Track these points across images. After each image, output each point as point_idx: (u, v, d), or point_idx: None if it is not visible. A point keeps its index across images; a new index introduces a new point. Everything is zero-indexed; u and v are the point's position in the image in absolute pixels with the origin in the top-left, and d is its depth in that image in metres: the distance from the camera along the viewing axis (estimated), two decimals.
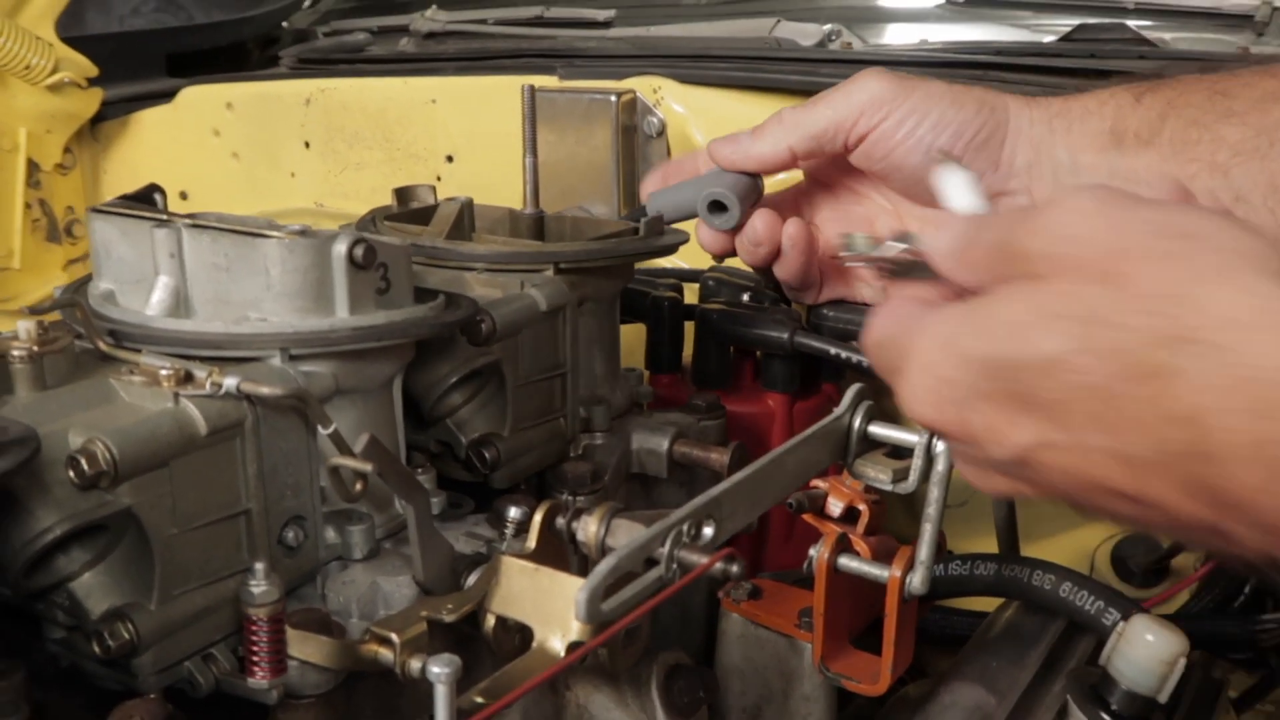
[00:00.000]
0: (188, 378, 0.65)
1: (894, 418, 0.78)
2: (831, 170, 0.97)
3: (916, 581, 0.74)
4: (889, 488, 0.74)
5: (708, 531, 0.63)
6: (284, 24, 2.01)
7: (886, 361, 0.61)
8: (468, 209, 0.92)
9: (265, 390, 0.64)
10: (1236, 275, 0.49)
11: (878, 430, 0.76)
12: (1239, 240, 0.51)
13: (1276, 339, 0.47)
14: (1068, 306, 0.52)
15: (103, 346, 0.69)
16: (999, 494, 0.62)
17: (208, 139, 1.68)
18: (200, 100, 1.68)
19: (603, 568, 0.53)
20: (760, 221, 0.93)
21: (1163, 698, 0.70)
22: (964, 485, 0.97)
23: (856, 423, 0.76)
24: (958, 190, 0.64)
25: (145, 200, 0.80)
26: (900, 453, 0.75)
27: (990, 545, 1.04)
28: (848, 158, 0.92)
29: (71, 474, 0.59)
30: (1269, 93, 0.78)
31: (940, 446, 0.71)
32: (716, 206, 0.93)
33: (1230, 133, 0.78)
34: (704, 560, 0.60)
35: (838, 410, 0.75)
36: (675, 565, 0.60)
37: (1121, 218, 0.53)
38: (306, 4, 2.04)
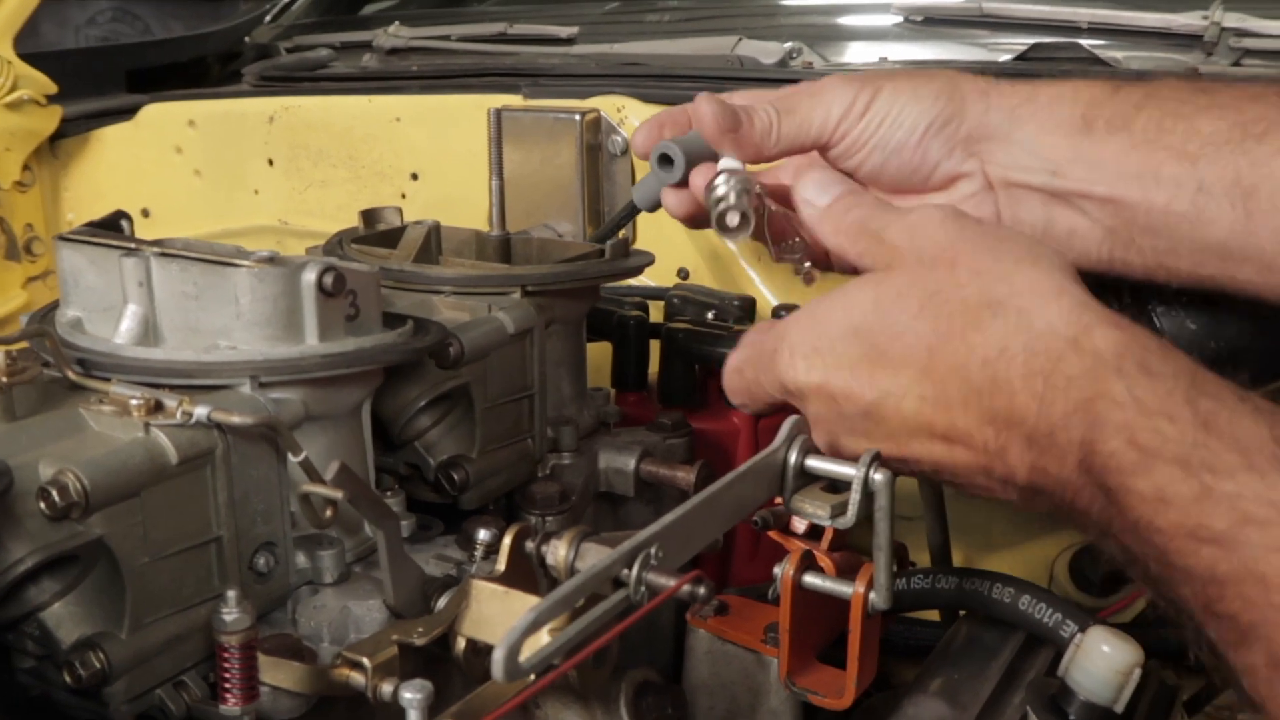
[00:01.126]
0: (158, 407, 0.65)
1: None
2: None
3: (878, 600, 0.75)
4: (828, 522, 0.74)
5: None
6: (246, 39, 2.00)
7: (756, 355, 0.77)
8: (435, 232, 0.93)
9: (236, 419, 0.65)
10: (1035, 263, 0.68)
11: (815, 464, 0.74)
12: (1040, 248, 0.70)
13: (1059, 306, 0.65)
14: (912, 287, 0.70)
15: (72, 376, 0.69)
16: (848, 453, 0.74)
17: (170, 156, 1.67)
18: (162, 117, 1.68)
19: (521, 623, 0.53)
20: (699, 176, 0.88)
21: (1119, 707, 0.72)
22: (918, 499, 0.99)
23: (793, 457, 0.74)
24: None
25: (112, 227, 0.80)
26: (837, 486, 0.74)
27: (954, 553, 1.06)
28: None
29: (43, 505, 0.59)
30: (1250, 92, 0.78)
31: (879, 478, 0.71)
32: (665, 160, 0.91)
33: (1206, 124, 0.78)
34: (671, 583, 0.61)
35: (774, 444, 0.74)
36: (643, 589, 0.61)
37: (960, 224, 0.72)
38: (268, 19, 2.04)
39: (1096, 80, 0.83)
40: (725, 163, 0.82)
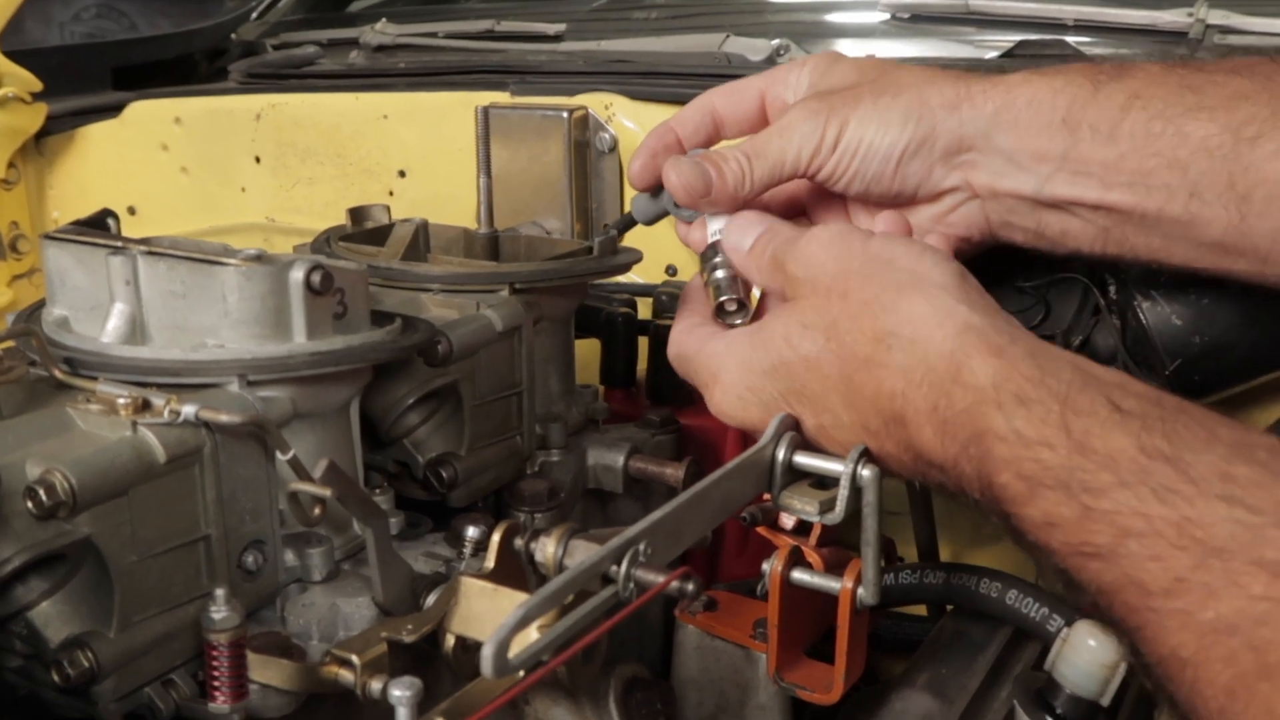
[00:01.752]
0: (145, 406, 0.65)
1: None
2: None
3: (866, 595, 0.76)
4: (816, 519, 0.74)
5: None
6: (232, 36, 1.99)
7: (692, 374, 0.81)
8: (423, 230, 0.93)
9: (224, 418, 0.64)
10: (917, 288, 0.70)
11: (802, 460, 0.74)
12: (927, 265, 0.72)
13: (942, 335, 0.67)
14: (815, 318, 0.73)
15: (59, 375, 0.69)
16: None
17: (156, 154, 1.66)
18: (148, 115, 1.67)
19: (509, 620, 0.53)
20: (696, 231, 0.89)
21: (1105, 701, 0.73)
22: (902, 494, 1.00)
23: (781, 454, 0.74)
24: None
25: (98, 226, 0.80)
26: (826, 482, 0.74)
27: (941, 549, 1.07)
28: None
29: (30, 505, 0.59)
30: (1238, 92, 0.77)
31: (866, 474, 0.71)
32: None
33: (1195, 129, 0.77)
34: (660, 580, 0.62)
35: (761, 441, 0.74)
36: (632, 585, 0.61)
37: (845, 248, 0.74)
38: (254, 16, 2.03)
39: (1076, 76, 0.81)
40: (713, 225, 0.85)
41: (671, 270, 1.31)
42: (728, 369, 0.77)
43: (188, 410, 0.64)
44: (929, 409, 0.67)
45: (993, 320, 0.68)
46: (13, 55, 1.63)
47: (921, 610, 1.04)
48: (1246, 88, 0.77)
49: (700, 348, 0.80)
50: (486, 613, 0.67)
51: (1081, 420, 0.61)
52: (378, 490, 0.79)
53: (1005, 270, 1.08)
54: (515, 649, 0.55)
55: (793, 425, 0.76)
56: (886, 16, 1.51)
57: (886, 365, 0.69)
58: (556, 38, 1.63)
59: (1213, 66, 0.80)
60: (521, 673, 0.59)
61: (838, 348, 0.71)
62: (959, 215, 0.87)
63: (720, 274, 0.82)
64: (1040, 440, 0.61)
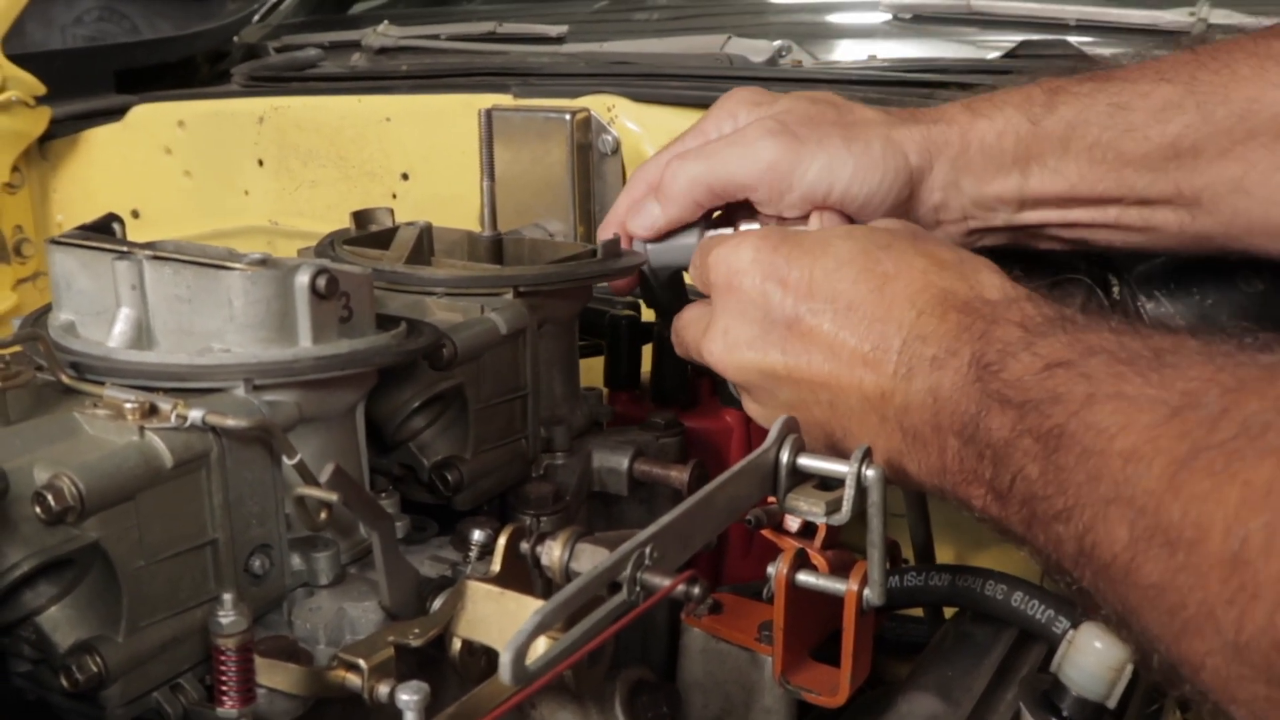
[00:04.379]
0: (152, 410, 0.65)
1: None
2: None
3: (872, 596, 0.76)
4: (822, 519, 0.74)
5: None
6: (234, 39, 2.00)
7: (695, 331, 0.84)
8: (427, 233, 0.93)
9: (230, 422, 0.65)
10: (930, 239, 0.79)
11: (807, 462, 0.74)
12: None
13: (978, 268, 0.75)
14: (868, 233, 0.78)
15: (65, 379, 0.69)
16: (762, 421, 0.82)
17: (159, 157, 1.67)
18: (151, 118, 1.67)
19: (527, 627, 0.54)
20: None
21: (1111, 703, 0.73)
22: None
23: (785, 456, 0.74)
24: None
25: (104, 230, 0.80)
26: (830, 484, 0.74)
27: (941, 551, 1.07)
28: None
29: (38, 510, 0.59)
30: (1167, 101, 0.82)
31: (871, 474, 0.71)
32: None
33: (1133, 147, 0.83)
34: (666, 583, 0.62)
35: (765, 444, 0.74)
36: (639, 589, 0.62)
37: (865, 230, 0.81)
38: (257, 19, 2.03)
39: (1013, 114, 0.86)
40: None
41: None
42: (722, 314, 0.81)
43: (194, 415, 0.65)
44: (933, 299, 0.72)
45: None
46: (16, 59, 1.63)
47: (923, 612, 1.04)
48: (1173, 94, 0.82)
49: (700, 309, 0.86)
50: (493, 616, 0.67)
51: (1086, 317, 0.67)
52: (383, 494, 0.79)
53: (1008, 271, 1.08)
54: (529, 656, 0.55)
55: (795, 428, 0.76)
56: (889, 17, 1.51)
57: (903, 268, 0.74)
58: (559, 39, 1.64)
59: (1137, 74, 0.85)
60: None
61: (886, 247, 0.76)
62: (943, 232, 0.92)
63: None
64: (1055, 315, 0.67)
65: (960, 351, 0.69)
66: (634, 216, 0.94)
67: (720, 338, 0.80)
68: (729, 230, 0.93)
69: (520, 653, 0.53)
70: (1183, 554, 0.51)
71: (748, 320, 0.79)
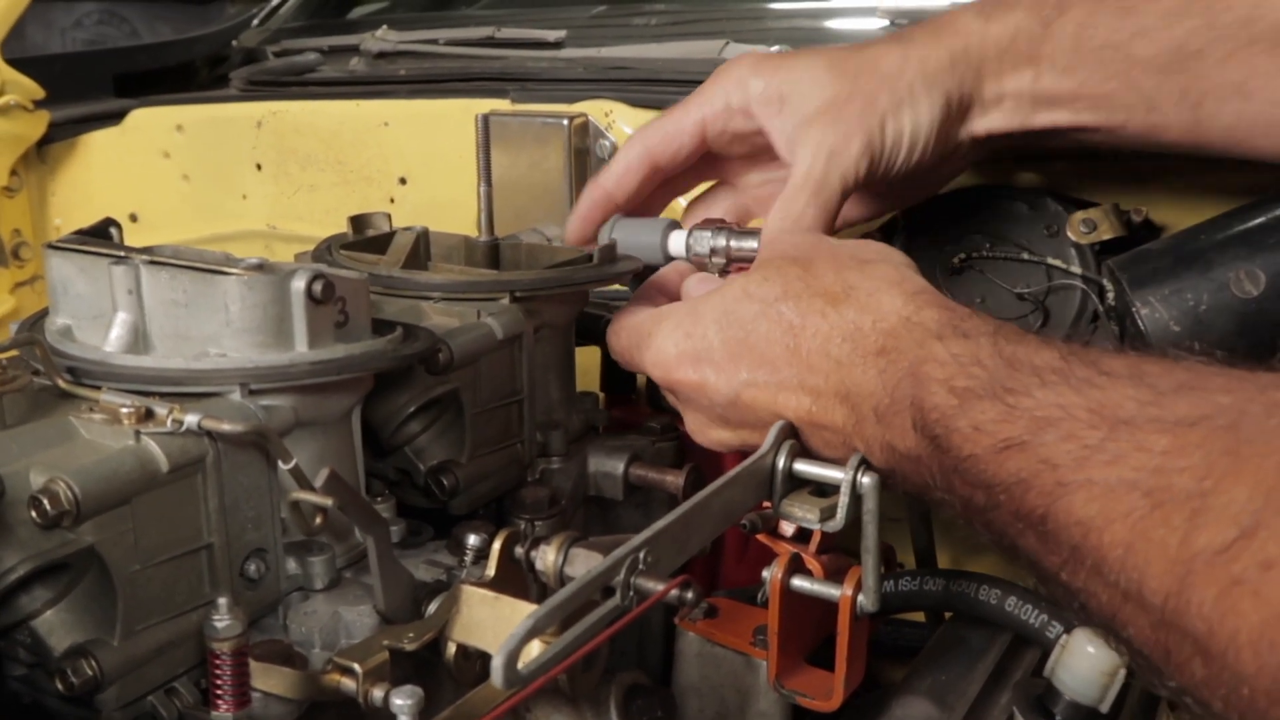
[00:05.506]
0: (148, 415, 0.65)
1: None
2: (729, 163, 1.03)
3: (866, 602, 0.76)
4: (816, 526, 0.75)
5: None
6: (233, 43, 2.00)
7: (630, 339, 0.85)
8: (423, 238, 0.93)
9: (226, 427, 0.65)
10: (884, 260, 0.78)
11: (803, 468, 0.75)
12: (887, 251, 0.80)
13: (900, 291, 0.73)
14: (777, 274, 0.77)
15: (62, 384, 0.69)
16: (718, 444, 0.83)
17: (157, 161, 1.67)
18: (149, 122, 1.67)
19: (519, 631, 0.54)
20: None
21: (1104, 707, 0.73)
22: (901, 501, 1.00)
23: (781, 461, 0.75)
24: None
25: (101, 235, 0.80)
26: (825, 490, 0.75)
27: (936, 554, 1.07)
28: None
29: (34, 514, 0.59)
30: (1173, 6, 0.85)
31: (866, 481, 0.72)
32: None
33: (1141, 49, 0.85)
34: (659, 588, 0.62)
35: (761, 449, 0.75)
36: (633, 593, 0.62)
37: (814, 236, 0.84)
38: (255, 23, 2.04)
39: (1023, 16, 0.89)
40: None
41: None
42: (676, 316, 0.81)
43: (190, 419, 0.65)
44: (877, 350, 0.71)
45: (938, 294, 0.75)
46: (14, 63, 1.63)
47: (921, 616, 1.04)
48: (1178, 3, 0.85)
49: (632, 316, 0.86)
50: (487, 621, 0.68)
51: (1010, 345, 0.66)
52: (379, 498, 0.79)
53: (1004, 277, 1.09)
54: (522, 660, 0.55)
55: (791, 433, 0.77)
56: (885, 23, 1.51)
57: (840, 311, 0.74)
58: (557, 44, 1.64)
59: None
60: None
61: (794, 300, 0.76)
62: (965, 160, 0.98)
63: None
64: (973, 360, 0.66)
65: (899, 410, 0.69)
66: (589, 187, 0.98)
67: (690, 423, 0.85)
68: (683, 233, 0.94)
69: (512, 657, 0.53)
70: (1216, 664, 0.50)
71: (699, 409, 0.82)
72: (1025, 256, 1.08)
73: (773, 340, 0.76)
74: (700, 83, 1.32)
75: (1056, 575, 0.60)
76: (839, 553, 0.85)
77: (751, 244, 0.88)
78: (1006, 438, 0.61)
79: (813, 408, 0.75)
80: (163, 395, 0.68)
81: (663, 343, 0.81)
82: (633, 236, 0.95)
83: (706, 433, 0.83)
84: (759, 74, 0.93)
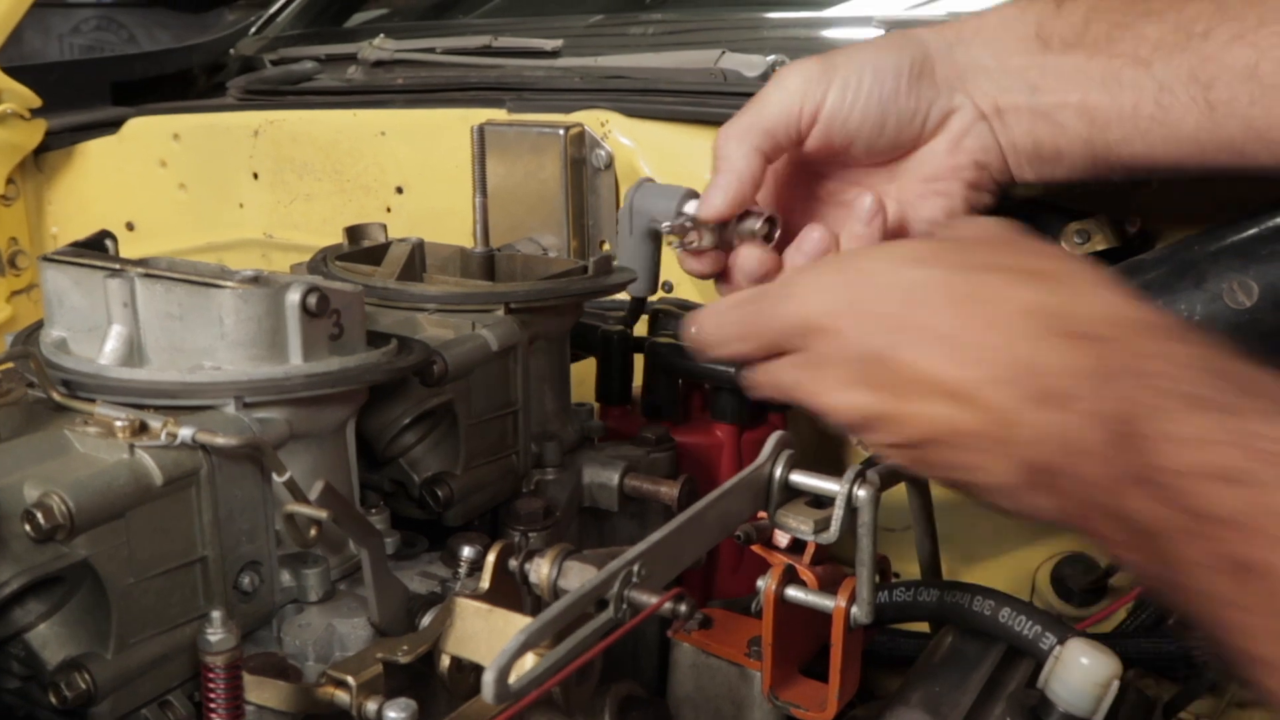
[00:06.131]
0: (143, 428, 0.65)
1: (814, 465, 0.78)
2: (792, 174, 0.95)
3: (860, 614, 0.76)
4: (811, 538, 0.75)
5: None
6: (231, 51, 2.00)
7: (758, 295, 0.75)
8: (419, 249, 0.94)
9: (220, 440, 0.65)
10: (1080, 259, 0.72)
11: (799, 479, 0.75)
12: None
13: (1103, 287, 0.64)
14: (957, 246, 0.73)
15: (56, 397, 0.69)
16: (834, 407, 0.69)
17: (154, 170, 1.67)
18: (146, 131, 1.68)
19: (510, 646, 0.54)
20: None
21: (1098, 718, 0.73)
22: (905, 511, 1.00)
23: (778, 472, 0.75)
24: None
25: (97, 247, 0.80)
26: (821, 501, 0.75)
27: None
28: (804, 147, 0.89)
29: (28, 527, 0.59)
30: None
31: (862, 494, 0.72)
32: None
33: (1151, 30, 0.83)
34: (653, 601, 0.62)
35: (759, 460, 0.75)
36: (626, 606, 0.62)
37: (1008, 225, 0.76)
38: (253, 31, 2.04)
39: None
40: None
41: (668, 287, 1.31)
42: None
43: (184, 432, 0.65)
44: (1064, 332, 0.62)
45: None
46: (11, 71, 1.63)
47: (919, 626, 1.04)
48: None
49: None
50: (481, 633, 0.68)
51: (1236, 365, 0.59)
52: (374, 510, 0.79)
53: None
54: (514, 674, 0.55)
55: (789, 443, 0.77)
56: (880, 32, 1.51)
57: (1026, 288, 0.65)
58: (554, 54, 1.64)
59: None
60: None
61: (973, 271, 0.67)
62: (972, 139, 0.89)
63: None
64: (1203, 366, 0.58)
65: (1085, 396, 0.60)
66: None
67: (812, 382, 0.72)
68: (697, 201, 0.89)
69: (503, 672, 0.53)
70: None
71: (834, 365, 0.70)
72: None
73: (942, 300, 0.66)
74: (696, 93, 1.33)
75: (1241, 628, 0.55)
76: (834, 563, 0.85)
77: (753, 224, 0.85)
78: (1225, 466, 0.55)
79: (965, 379, 0.64)
80: (157, 408, 0.68)
81: (812, 288, 0.71)
82: (649, 201, 0.89)
83: (829, 395, 0.70)
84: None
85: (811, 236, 0.85)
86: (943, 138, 0.89)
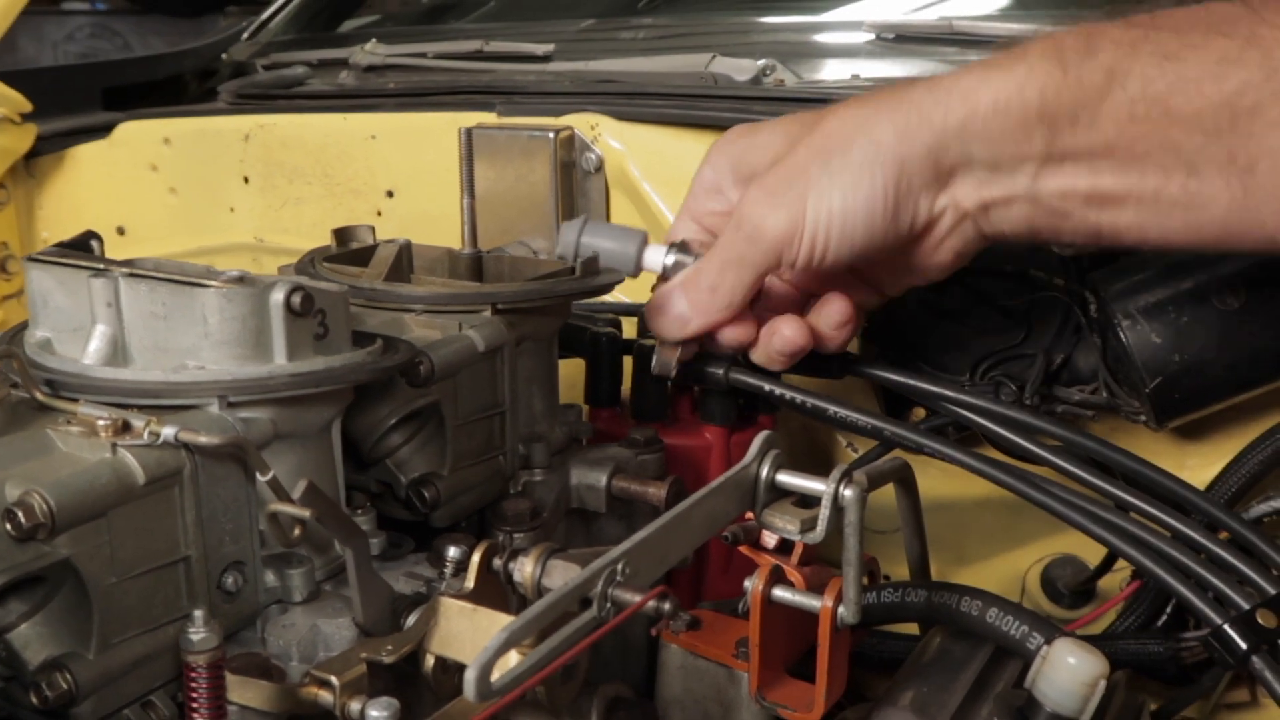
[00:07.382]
0: (125, 427, 0.65)
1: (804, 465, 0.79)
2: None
3: (847, 614, 0.76)
4: (797, 537, 0.74)
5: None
6: (223, 56, 2.00)
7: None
8: (406, 251, 0.94)
9: (203, 440, 0.65)
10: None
11: (785, 479, 0.75)
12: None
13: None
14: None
15: (40, 396, 0.69)
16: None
17: (145, 174, 1.67)
18: (137, 135, 1.67)
19: (492, 644, 0.54)
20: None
21: (1085, 718, 0.73)
22: (894, 514, 1.00)
23: (764, 472, 0.75)
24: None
25: (82, 247, 0.80)
26: (808, 501, 0.75)
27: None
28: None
29: (9, 526, 0.59)
30: (1224, 56, 0.71)
31: (849, 494, 0.72)
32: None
33: (1182, 104, 0.72)
34: (636, 599, 0.62)
35: (745, 459, 0.75)
36: (609, 605, 0.62)
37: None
38: (245, 36, 2.04)
39: (1039, 61, 0.75)
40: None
41: None
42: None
43: (167, 432, 0.65)
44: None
45: None
46: (3, 76, 1.64)
47: (906, 627, 1.04)
48: (1230, 48, 0.71)
49: None
50: (465, 633, 0.67)
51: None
52: (360, 510, 0.79)
53: (987, 290, 1.09)
54: (497, 672, 0.55)
55: (776, 444, 0.77)
56: (871, 37, 1.51)
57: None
58: (544, 58, 1.64)
59: (1186, 24, 0.74)
60: None
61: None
62: (955, 238, 0.85)
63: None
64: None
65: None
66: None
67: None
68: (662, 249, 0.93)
69: (485, 670, 0.53)
70: None
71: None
72: (1009, 268, 1.08)
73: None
74: (687, 97, 1.33)
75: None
76: (823, 564, 0.85)
77: None
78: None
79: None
80: (141, 408, 0.68)
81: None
82: (603, 241, 0.93)
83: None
84: (729, 148, 0.93)
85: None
86: (927, 240, 0.85)
